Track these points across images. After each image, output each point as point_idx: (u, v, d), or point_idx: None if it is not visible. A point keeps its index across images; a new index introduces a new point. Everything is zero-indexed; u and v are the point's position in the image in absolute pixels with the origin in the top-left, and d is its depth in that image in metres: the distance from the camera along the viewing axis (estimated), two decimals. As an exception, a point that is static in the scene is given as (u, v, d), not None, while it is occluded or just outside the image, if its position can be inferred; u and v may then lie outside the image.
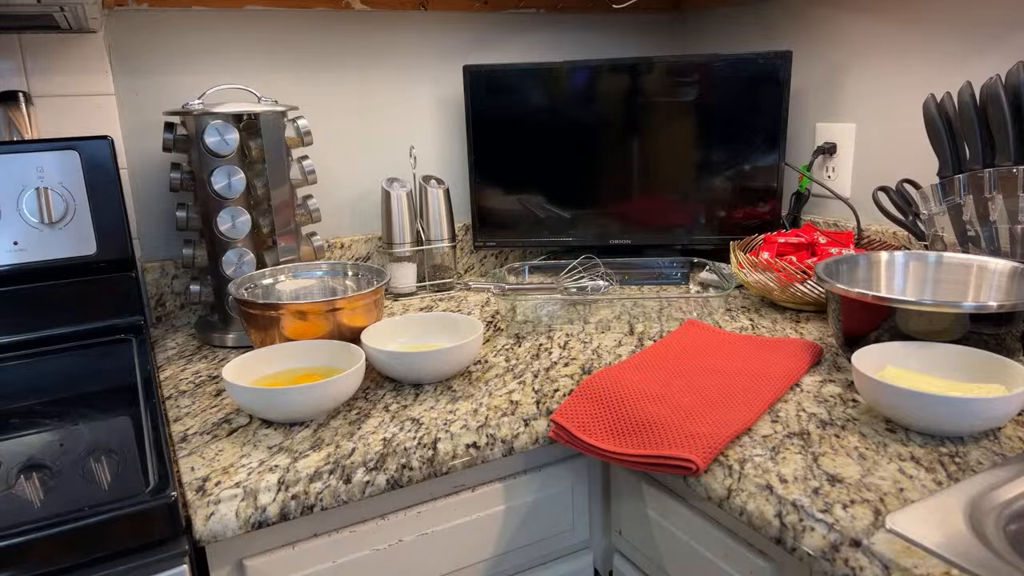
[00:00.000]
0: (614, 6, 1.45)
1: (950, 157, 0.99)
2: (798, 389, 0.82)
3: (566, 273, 1.14)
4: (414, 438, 0.75)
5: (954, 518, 0.55)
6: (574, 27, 1.48)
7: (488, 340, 1.04)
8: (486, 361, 0.95)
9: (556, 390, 0.85)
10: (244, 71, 1.21)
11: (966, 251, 0.97)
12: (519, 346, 1.01)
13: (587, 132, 1.31)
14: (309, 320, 0.89)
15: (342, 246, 1.32)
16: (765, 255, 1.12)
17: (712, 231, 1.33)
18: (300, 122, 1.09)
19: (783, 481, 0.63)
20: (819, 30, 1.30)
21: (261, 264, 1.08)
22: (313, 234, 1.15)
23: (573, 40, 1.48)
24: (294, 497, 0.67)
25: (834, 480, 0.63)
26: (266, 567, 0.70)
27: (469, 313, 1.17)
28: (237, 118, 1.03)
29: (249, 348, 1.00)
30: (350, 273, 1.07)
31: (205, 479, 0.68)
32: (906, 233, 1.16)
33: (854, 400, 0.78)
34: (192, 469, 0.70)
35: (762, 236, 1.22)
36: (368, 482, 0.70)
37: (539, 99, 1.30)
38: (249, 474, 0.69)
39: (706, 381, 0.82)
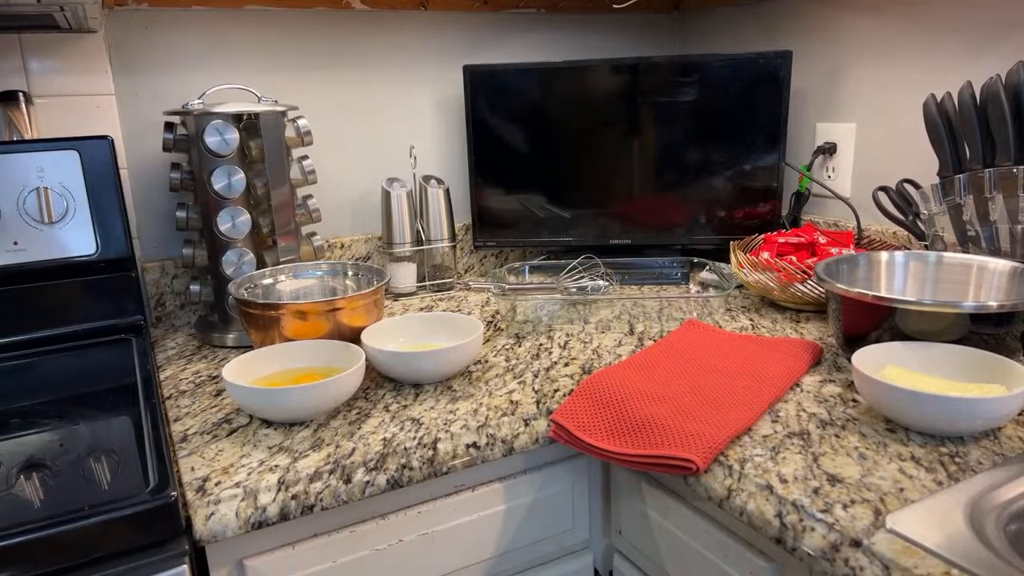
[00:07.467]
0: (614, 6, 1.45)
1: (950, 157, 0.99)
2: (798, 389, 0.82)
3: (566, 273, 1.14)
4: (414, 438, 0.75)
5: (954, 518, 0.55)
6: (574, 27, 1.48)
7: (488, 340, 1.04)
8: (486, 361, 0.95)
9: (556, 390, 0.85)
10: (244, 71, 1.21)
11: (966, 251, 0.97)
12: (519, 346, 1.01)
13: (587, 132, 1.31)
14: (309, 320, 0.89)
15: (342, 246, 1.32)
16: (765, 255, 1.12)
17: (712, 231, 1.33)
18: (300, 122, 1.09)
19: (783, 481, 0.63)
20: (819, 30, 1.30)
21: (261, 264, 1.08)
22: (313, 234, 1.15)
23: (573, 40, 1.48)
24: (294, 497, 0.67)
25: (834, 480, 0.63)
26: (266, 567, 0.70)
27: (469, 313, 1.17)
28: (237, 118, 1.03)
29: (249, 348, 1.00)
30: (350, 273, 1.07)
31: (205, 479, 0.68)
32: (906, 233, 1.16)
33: (854, 400, 0.78)
34: (192, 469, 0.70)
35: (762, 236, 1.22)
36: (368, 482, 0.70)
37: (539, 99, 1.30)
38: (249, 474, 0.69)
39: (706, 381, 0.82)
